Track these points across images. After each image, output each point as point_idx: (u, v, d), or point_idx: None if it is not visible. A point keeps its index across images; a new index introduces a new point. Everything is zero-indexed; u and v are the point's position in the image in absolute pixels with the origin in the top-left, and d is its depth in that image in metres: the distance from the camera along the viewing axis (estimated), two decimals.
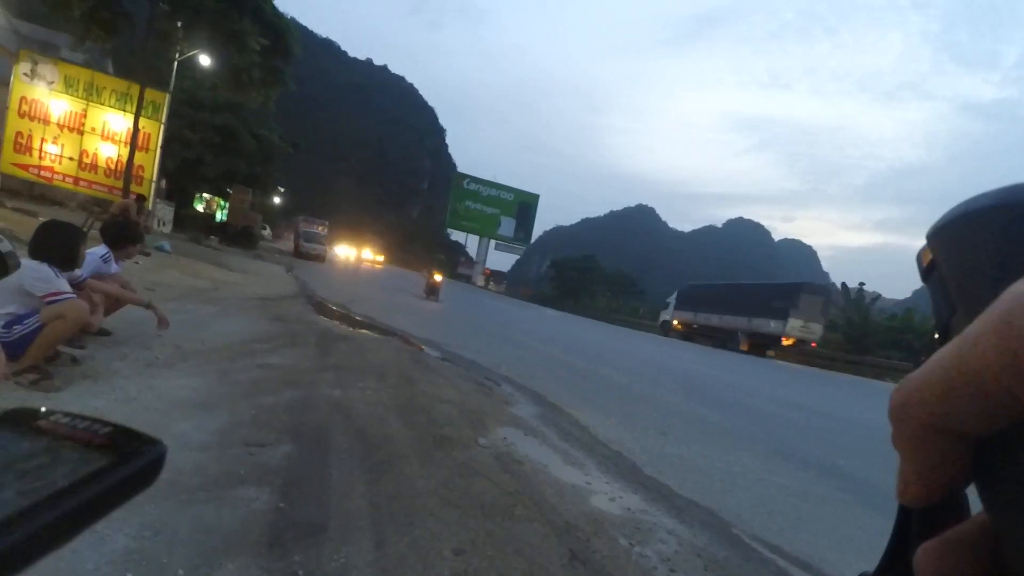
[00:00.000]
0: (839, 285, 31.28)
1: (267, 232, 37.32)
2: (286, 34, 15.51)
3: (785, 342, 23.35)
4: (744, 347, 24.93)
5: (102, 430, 0.22)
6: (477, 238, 52.64)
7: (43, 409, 0.24)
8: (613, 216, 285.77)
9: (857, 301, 28.41)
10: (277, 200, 41.32)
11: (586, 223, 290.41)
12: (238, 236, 19.93)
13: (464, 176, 55.18)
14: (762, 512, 3.00)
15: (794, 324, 22.97)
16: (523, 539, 2.04)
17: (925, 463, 0.16)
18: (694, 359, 14.81)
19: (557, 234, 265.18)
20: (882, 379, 19.53)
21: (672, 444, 4.09)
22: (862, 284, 29.55)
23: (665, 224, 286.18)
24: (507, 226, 53.41)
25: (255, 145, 23.71)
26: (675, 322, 31.46)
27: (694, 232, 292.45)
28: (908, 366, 20.11)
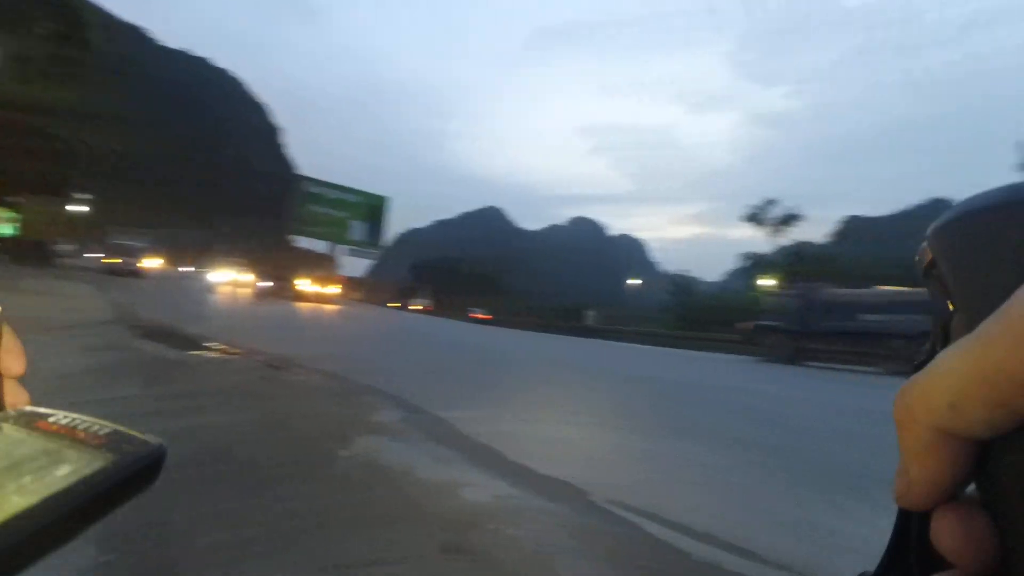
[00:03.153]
0: (667, 273, 35.80)
1: (72, 248, 31.50)
2: (81, 19, 13.18)
3: None
4: None
5: (102, 431, 0.22)
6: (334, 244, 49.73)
7: (43, 410, 0.23)
8: (467, 217, 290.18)
9: (683, 286, 32.75)
10: (85, 209, 34.98)
11: (441, 225, 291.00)
12: (30, 252, 17.57)
13: (308, 180, 51.67)
14: (613, 476, 3.34)
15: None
16: (401, 544, 2.04)
17: (934, 468, 0.16)
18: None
19: (413, 237, 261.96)
20: (710, 351, 22.55)
21: (534, 427, 4.35)
22: (685, 270, 34.16)
23: (512, 224, 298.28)
24: (357, 230, 51.19)
25: (51, 147, 19.88)
26: None
27: (542, 231, 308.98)
28: (729, 336, 23.25)
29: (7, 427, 0.22)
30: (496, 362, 9.06)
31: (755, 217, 35.90)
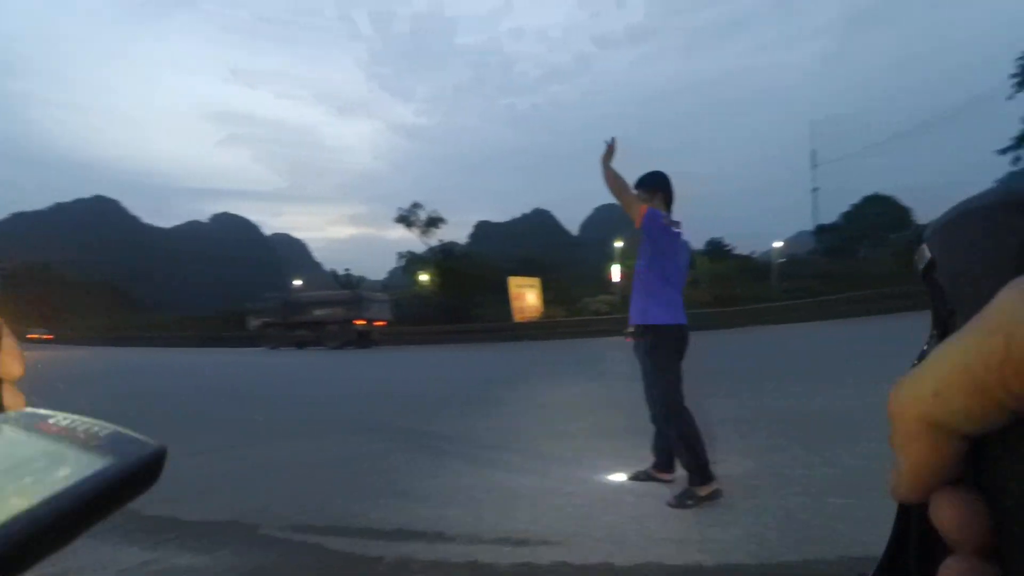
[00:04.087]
0: (333, 272, 35.67)
1: None
2: None
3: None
4: None
5: (102, 432, 0.21)
6: None
7: (43, 412, 0.23)
8: (62, 210, 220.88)
9: (349, 284, 33.06)
10: None
11: (19, 219, 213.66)
12: None
13: None
14: (288, 497, 3.25)
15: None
16: None
17: (916, 458, 0.16)
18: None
19: None
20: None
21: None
22: (347, 270, 34.57)
23: (136, 219, 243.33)
24: None
25: None
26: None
27: (178, 228, 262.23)
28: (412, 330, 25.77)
29: (7, 428, 0.22)
30: None
31: (405, 219, 39.03)
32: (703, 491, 2.77)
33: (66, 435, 0.21)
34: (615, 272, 28.31)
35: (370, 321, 25.38)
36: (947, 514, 0.16)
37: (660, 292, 2.87)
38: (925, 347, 0.21)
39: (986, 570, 0.15)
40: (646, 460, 3.24)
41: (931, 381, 0.15)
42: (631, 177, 2.99)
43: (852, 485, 2.90)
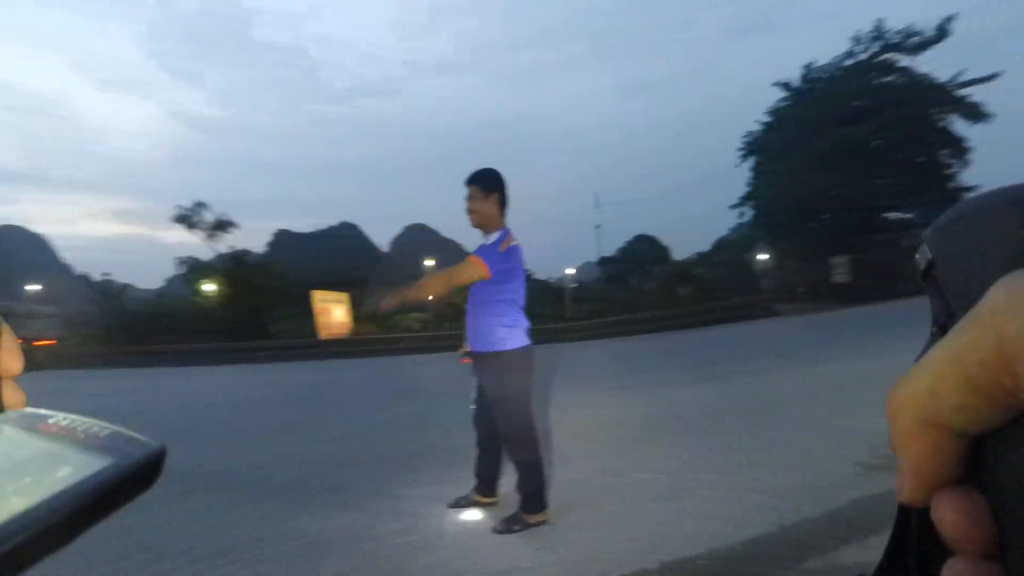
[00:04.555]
0: (88, 277, 28.58)
1: None
2: None
3: None
4: None
5: (102, 432, 0.22)
6: None
7: (43, 412, 0.24)
8: None
9: (110, 293, 26.74)
10: None
11: None
12: None
13: None
14: None
15: None
16: None
17: (916, 458, 0.16)
18: None
19: None
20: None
21: None
22: (107, 274, 28.05)
23: None
24: None
25: None
26: None
27: None
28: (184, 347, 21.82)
29: (7, 428, 0.22)
30: None
31: (186, 219, 33.33)
32: (533, 519, 2.62)
33: (66, 435, 0.21)
34: None
35: (28, 341, 21.05)
36: (948, 515, 0.16)
37: (507, 313, 2.64)
38: (925, 347, 0.21)
39: (989, 571, 0.15)
40: (468, 483, 2.99)
41: (927, 379, 0.15)
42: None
43: (666, 490, 3.06)
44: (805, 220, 29.03)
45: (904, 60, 27.90)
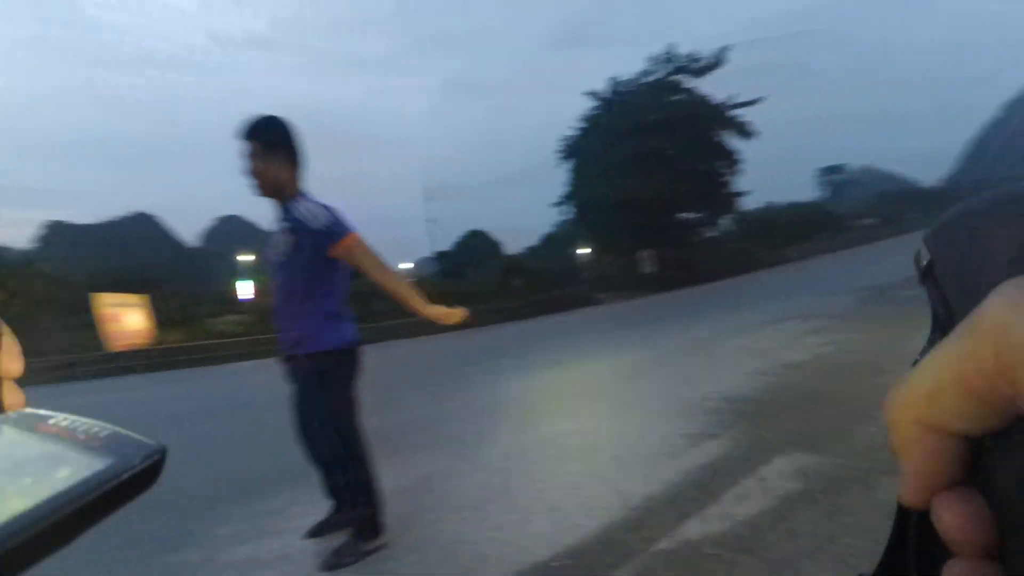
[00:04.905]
0: None
1: None
2: None
3: None
4: None
5: (102, 433, 0.21)
6: None
7: (43, 412, 0.23)
8: None
9: None
10: None
11: None
12: None
13: None
14: None
15: None
16: None
17: (916, 461, 0.16)
18: None
19: None
20: None
21: None
22: None
23: None
24: None
25: None
26: None
27: None
28: None
29: (7, 429, 0.22)
30: None
31: None
32: (368, 546, 2.16)
33: (66, 435, 0.21)
34: (245, 288, 24.97)
35: None
36: (949, 517, 0.16)
37: (331, 306, 2.09)
38: (924, 349, 0.21)
39: (989, 572, 0.15)
40: (322, 508, 2.38)
41: (925, 384, 0.15)
42: None
43: (505, 488, 2.84)
44: (617, 218, 32.32)
45: (691, 82, 32.58)
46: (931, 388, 0.15)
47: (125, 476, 0.19)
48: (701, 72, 32.18)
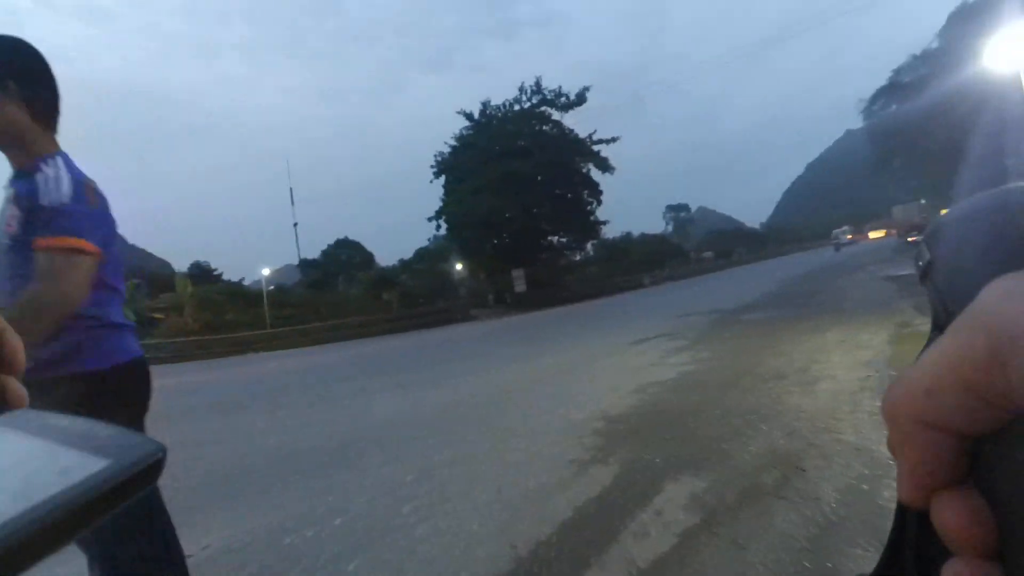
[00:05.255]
0: None
1: None
2: None
3: None
4: None
5: (102, 432, 0.21)
6: None
7: (43, 411, 0.23)
8: None
9: None
10: None
11: None
12: None
13: None
14: None
15: None
16: None
17: (914, 459, 0.16)
18: None
19: None
20: None
21: None
22: None
23: None
24: None
25: None
26: None
27: None
28: None
29: (6, 428, 0.22)
30: None
31: None
32: None
33: (66, 435, 0.21)
34: None
35: None
36: (948, 516, 0.15)
37: (100, 310, 1.33)
38: (924, 347, 0.21)
39: (989, 571, 0.15)
40: None
41: (923, 380, 0.15)
42: None
43: (370, 535, 2.34)
44: (490, 236, 32.80)
45: (556, 115, 34.53)
46: (929, 385, 0.15)
47: (125, 476, 0.19)
48: (566, 107, 34.25)
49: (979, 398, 0.14)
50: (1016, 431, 0.14)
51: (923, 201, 33.54)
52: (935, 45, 30.74)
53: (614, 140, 35.11)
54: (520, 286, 30.81)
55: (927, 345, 0.20)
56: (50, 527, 0.17)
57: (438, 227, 36.54)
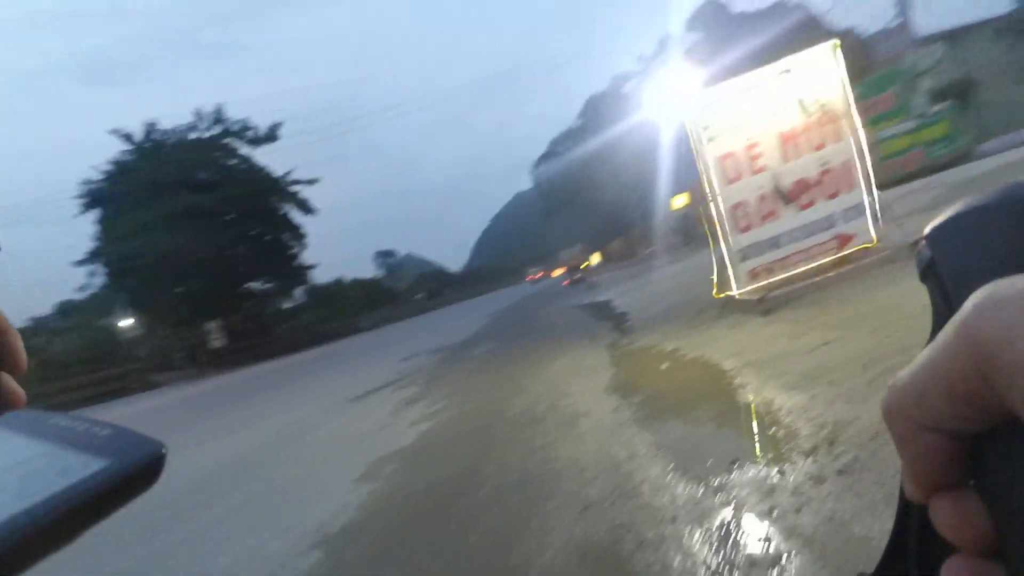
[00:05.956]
0: None
1: None
2: None
3: None
4: None
5: (102, 432, 0.21)
6: None
7: (43, 412, 0.23)
8: None
9: None
10: None
11: None
12: None
13: None
14: None
15: None
16: None
17: (912, 459, 0.16)
18: None
19: None
20: None
21: None
22: None
23: None
24: None
25: None
26: None
27: None
28: None
29: (6, 428, 0.22)
30: None
31: None
32: None
33: (66, 435, 0.21)
34: None
35: None
36: (946, 517, 0.15)
37: None
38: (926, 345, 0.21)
39: (989, 570, 0.15)
40: None
41: (915, 385, 0.15)
42: None
43: None
44: (170, 283, 26.38)
45: (244, 149, 30.95)
46: (920, 389, 0.15)
47: (125, 476, 0.19)
48: (256, 142, 31.12)
49: (967, 405, 0.14)
50: (1014, 432, 0.14)
51: (579, 245, 42.05)
52: (578, 123, 39.34)
53: (313, 181, 33.22)
54: (217, 341, 25.43)
55: (929, 340, 0.20)
56: (50, 527, 0.17)
57: (92, 273, 27.71)
